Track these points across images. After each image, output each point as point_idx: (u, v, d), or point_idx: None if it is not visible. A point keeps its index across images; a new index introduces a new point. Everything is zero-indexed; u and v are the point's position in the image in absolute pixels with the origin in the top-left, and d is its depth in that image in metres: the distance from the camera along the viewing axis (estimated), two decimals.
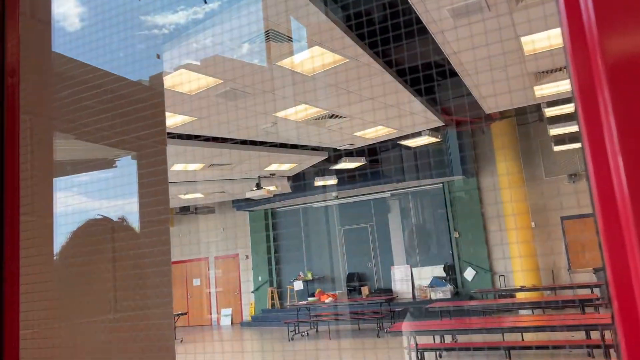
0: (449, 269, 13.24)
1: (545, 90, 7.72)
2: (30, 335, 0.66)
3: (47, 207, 0.75)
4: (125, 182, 1.01)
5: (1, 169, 0.66)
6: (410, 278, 13.49)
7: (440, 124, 9.11)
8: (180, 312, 13.79)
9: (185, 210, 15.90)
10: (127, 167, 1.00)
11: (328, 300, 13.29)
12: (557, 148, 10.90)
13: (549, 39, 5.79)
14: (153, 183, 1.04)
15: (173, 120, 7.11)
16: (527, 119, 12.03)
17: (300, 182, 12.82)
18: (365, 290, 14.22)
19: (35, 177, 0.73)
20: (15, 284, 0.66)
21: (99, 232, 0.88)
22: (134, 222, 0.98)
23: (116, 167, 1.02)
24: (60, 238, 0.80)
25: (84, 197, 0.90)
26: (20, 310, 0.67)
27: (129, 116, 0.99)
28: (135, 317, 0.92)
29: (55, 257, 0.76)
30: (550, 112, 8.91)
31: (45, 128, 0.74)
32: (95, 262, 0.87)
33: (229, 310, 16.34)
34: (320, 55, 5.65)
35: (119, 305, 0.89)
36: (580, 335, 6.36)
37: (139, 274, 0.95)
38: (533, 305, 9.75)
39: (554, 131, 9.79)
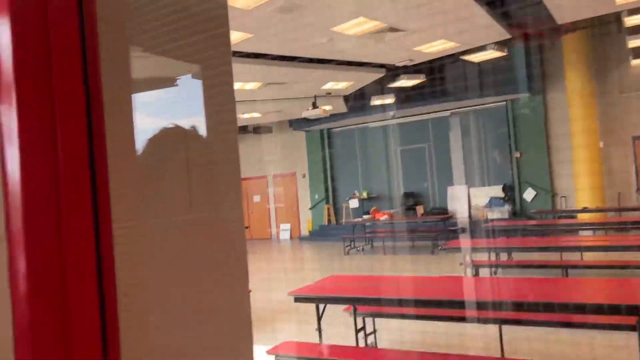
0: (508, 190, 13.01)
1: None
2: (119, 228, 0.74)
3: (128, 119, 0.80)
4: (192, 96, 1.04)
5: (85, 79, 0.70)
6: (467, 198, 13.40)
7: (506, 36, 8.57)
8: None
9: (243, 129, 16.23)
10: (194, 80, 1.03)
11: (383, 218, 13.52)
12: (635, 62, 10.06)
13: None
14: (219, 93, 1.06)
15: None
16: (603, 30, 11.07)
17: (356, 101, 12.65)
18: (420, 209, 14.32)
19: (113, 89, 0.77)
20: (105, 182, 0.73)
21: (172, 139, 0.93)
22: (205, 132, 1.02)
23: (184, 80, 1.05)
24: (138, 144, 0.85)
25: (156, 109, 0.95)
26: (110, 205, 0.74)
27: (194, 27, 1.00)
28: (209, 218, 0.97)
29: (136, 160, 0.82)
30: (631, 21, 8.14)
31: (121, 39, 0.77)
32: (171, 167, 0.92)
33: (287, 226, 17.03)
34: None
35: (194, 207, 0.95)
36: None
37: (211, 180, 0.99)
38: (595, 226, 9.51)
39: (634, 43, 9.00)
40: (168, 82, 1.03)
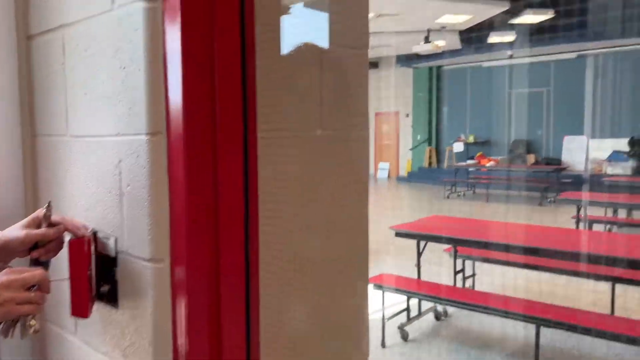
0: (636, 144, 11.74)
1: None
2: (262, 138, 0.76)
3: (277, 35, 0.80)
4: (328, 19, 1.03)
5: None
6: (585, 150, 12.34)
7: None
8: None
9: None
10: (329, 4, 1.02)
11: (489, 164, 12.95)
12: None
13: None
14: (351, 18, 1.04)
15: None
16: None
17: (473, 37, 11.83)
18: (530, 158, 13.48)
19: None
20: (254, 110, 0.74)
21: (307, 58, 0.93)
22: (338, 53, 1.02)
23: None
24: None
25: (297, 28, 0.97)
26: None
27: None
28: (337, 136, 0.99)
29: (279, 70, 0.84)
30: None
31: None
32: (305, 84, 0.94)
33: (386, 165, 16.95)
34: None
35: (324, 123, 0.96)
36: None
37: (341, 97, 0.99)
38: None
39: None
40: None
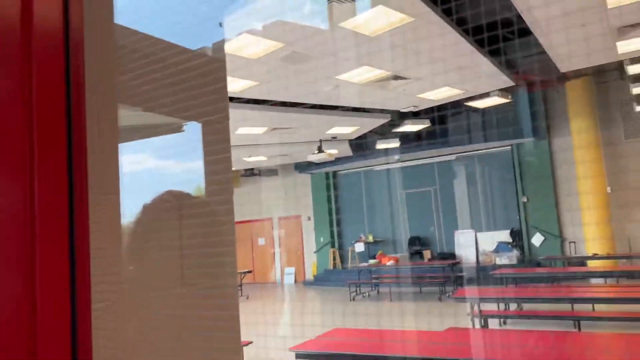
0: (516, 235, 12.85)
1: (629, 46, 7.09)
2: (101, 308, 0.68)
3: (114, 183, 0.76)
4: (189, 149, 1.03)
5: (70, 150, 0.67)
6: (474, 243, 13.23)
7: (510, 84, 8.66)
8: (246, 270, 14.33)
9: (249, 172, 16.30)
10: (191, 134, 1.02)
11: (389, 263, 13.33)
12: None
13: None
14: (217, 151, 1.04)
15: (236, 85, 7.19)
16: (606, 77, 11.18)
17: (362, 145, 12.71)
18: (427, 254, 14.13)
19: (102, 153, 0.74)
20: (87, 259, 0.68)
21: (165, 207, 0.89)
22: (201, 192, 1.00)
23: (182, 133, 1.05)
24: (127, 212, 0.82)
25: (150, 165, 0.93)
26: (91, 284, 0.69)
27: (193, 90, 0.99)
28: (202, 291, 0.94)
29: (123, 232, 0.77)
30: (634, 69, 8.21)
31: (110, 106, 0.75)
32: (162, 235, 0.89)
33: (292, 269, 16.82)
34: (384, 14, 5.46)
35: (186, 279, 0.92)
36: None
37: (205, 242, 0.96)
38: (606, 275, 9.30)
39: (638, 90, 9.05)
40: (161, 135, 1.01)
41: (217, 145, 1.01)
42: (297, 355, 3.95)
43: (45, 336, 0.61)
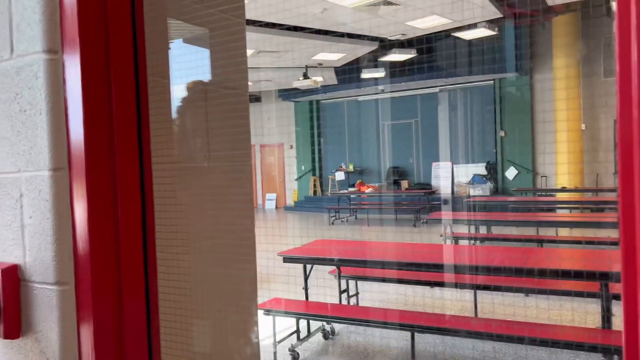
0: (491, 168, 13.30)
1: None
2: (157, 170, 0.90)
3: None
4: (209, 57, 1.19)
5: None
6: (450, 175, 13.67)
7: (499, 15, 8.68)
8: None
9: None
10: (204, 42, 1.19)
11: (368, 190, 13.76)
12: None
13: None
14: (232, 55, 1.21)
15: None
16: (594, 14, 11.22)
17: (347, 73, 12.70)
18: (405, 184, 14.58)
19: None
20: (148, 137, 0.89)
21: (195, 95, 1.09)
22: (221, 92, 1.18)
23: (202, 42, 1.21)
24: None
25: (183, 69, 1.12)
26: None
27: None
28: (223, 168, 1.15)
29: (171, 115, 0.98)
30: None
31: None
32: (193, 121, 1.09)
33: (273, 195, 17.19)
34: None
35: (212, 154, 1.11)
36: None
37: (226, 132, 1.15)
38: (571, 205, 9.83)
39: None
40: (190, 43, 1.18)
41: (234, 59, 1.19)
42: (285, 259, 4.27)
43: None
